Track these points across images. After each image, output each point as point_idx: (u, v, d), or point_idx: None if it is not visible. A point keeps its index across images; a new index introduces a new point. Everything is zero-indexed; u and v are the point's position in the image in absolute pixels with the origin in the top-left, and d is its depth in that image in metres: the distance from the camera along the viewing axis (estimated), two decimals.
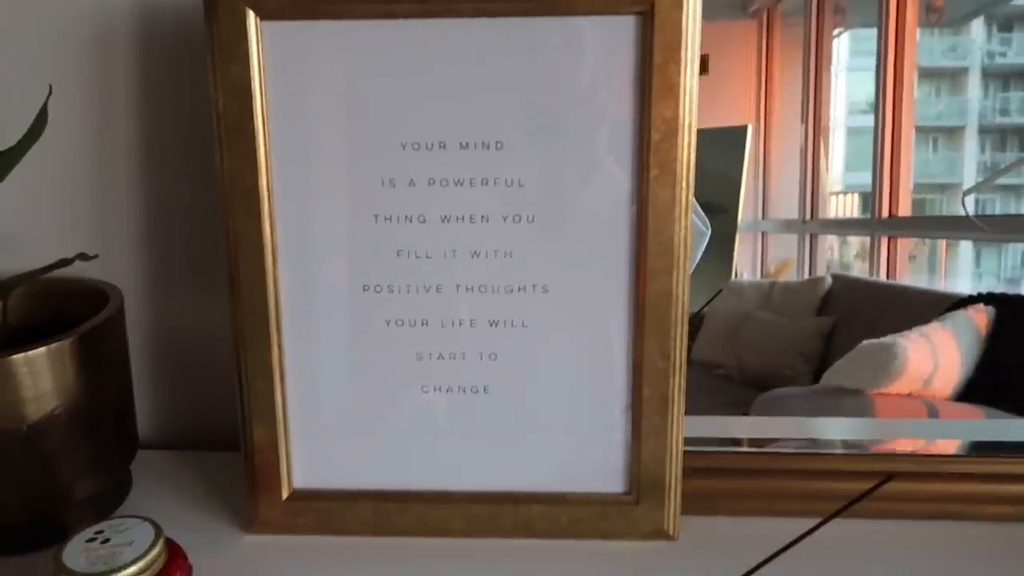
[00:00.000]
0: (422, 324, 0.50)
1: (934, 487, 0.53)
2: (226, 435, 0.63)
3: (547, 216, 0.48)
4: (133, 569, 0.41)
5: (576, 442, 0.51)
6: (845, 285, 2.08)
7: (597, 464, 0.51)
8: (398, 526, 0.52)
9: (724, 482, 0.53)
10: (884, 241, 2.25)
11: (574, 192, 0.48)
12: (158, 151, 0.59)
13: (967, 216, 1.40)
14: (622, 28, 0.46)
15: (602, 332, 0.50)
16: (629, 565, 0.49)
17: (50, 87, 0.48)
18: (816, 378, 1.71)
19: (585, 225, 0.48)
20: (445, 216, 0.49)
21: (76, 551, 0.42)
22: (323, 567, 0.49)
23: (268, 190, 0.48)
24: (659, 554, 0.50)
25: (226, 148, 0.48)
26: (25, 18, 0.56)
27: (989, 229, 1.49)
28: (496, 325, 0.50)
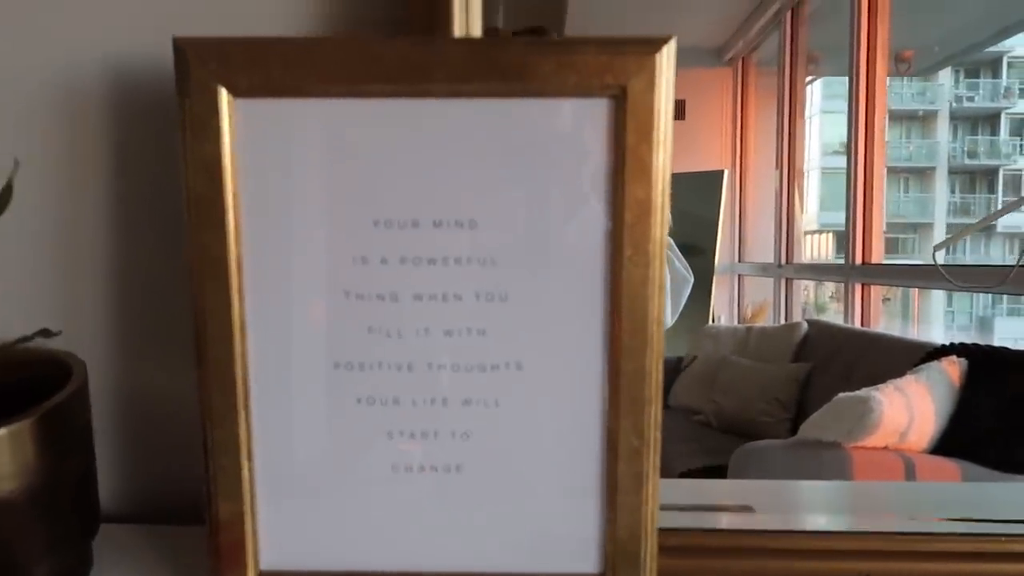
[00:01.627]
0: (394, 402, 0.49)
1: (916, 566, 0.52)
2: (191, 508, 0.62)
3: (520, 294, 0.48)
4: None
5: (550, 521, 0.50)
6: (821, 331, 2.09)
7: (572, 543, 0.50)
8: None
9: (700, 561, 0.53)
10: (858, 287, 2.26)
11: (547, 270, 0.48)
12: (126, 223, 0.58)
13: (936, 267, 1.42)
14: (595, 110, 0.46)
15: (576, 410, 0.49)
16: None
17: (16, 161, 0.48)
18: (793, 424, 1.71)
19: (559, 303, 0.48)
20: (417, 294, 0.48)
21: None
22: None
23: (238, 265, 0.48)
24: None
25: (197, 223, 0.47)
26: None
27: (956, 283, 1.51)
28: (469, 404, 0.49)
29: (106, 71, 0.55)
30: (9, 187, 0.47)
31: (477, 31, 0.50)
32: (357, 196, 0.48)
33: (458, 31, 0.49)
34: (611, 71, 0.45)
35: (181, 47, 0.46)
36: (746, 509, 0.65)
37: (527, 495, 0.50)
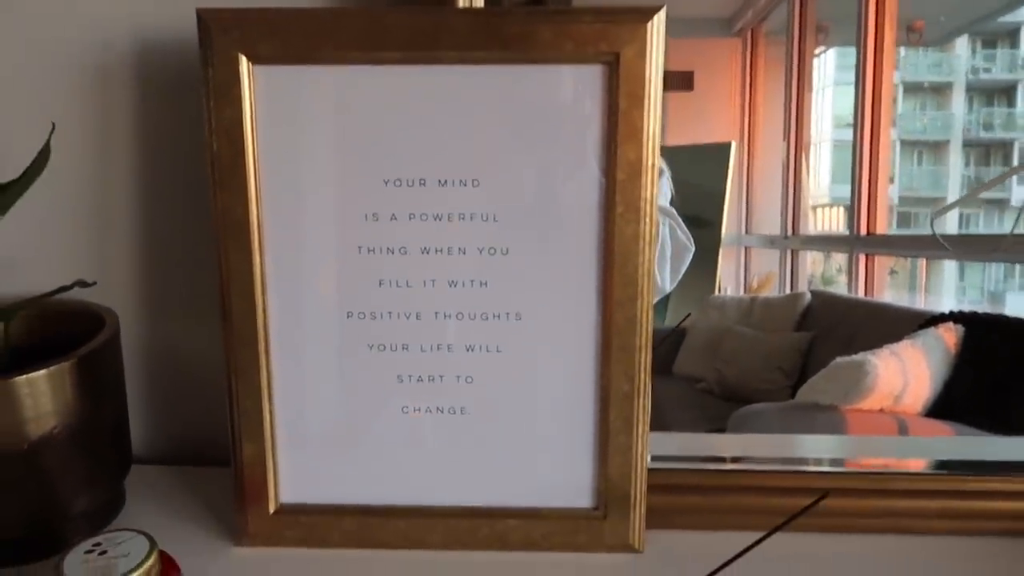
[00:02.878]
0: (403, 348, 0.53)
1: (881, 503, 0.56)
2: (216, 451, 0.66)
3: (520, 249, 0.52)
4: None
5: (548, 460, 0.54)
6: (824, 301, 2.12)
7: (567, 481, 0.54)
8: (380, 539, 0.55)
9: (685, 498, 0.57)
10: (863, 257, 2.29)
11: (545, 226, 0.51)
12: (155, 184, 0.62)
13: (934, 235, 1.44)
14: (590, 76, 0.49)
15: (571, 357, 0.53)
16: None
17: (52, 124, 0.51)
18: (794, 392, 1.75)
19: (556, 257, 0.52)
20: (425, 248, 0.52)
21: (75, 562, 0.44)
22: None
23: (258, 224, 0.51)
24: (625, 566, 0.53)
25: (219, 185, 0.51)
26: (28, 56, 0.59)
27: (952, 249, 1.53)
28: (472, 350, 0.53)
29: (134, 42, 0.58)
30: (47, 148, 0.51)
31: (480, 1, 0.53)
32: (369, 157, 0.51)
33: (463, 2, 0.52)
34: (605, 39, 0.48)
35: (204, 18, 0.49)
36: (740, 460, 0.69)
37: (526, 436, 0.54)
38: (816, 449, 0.95)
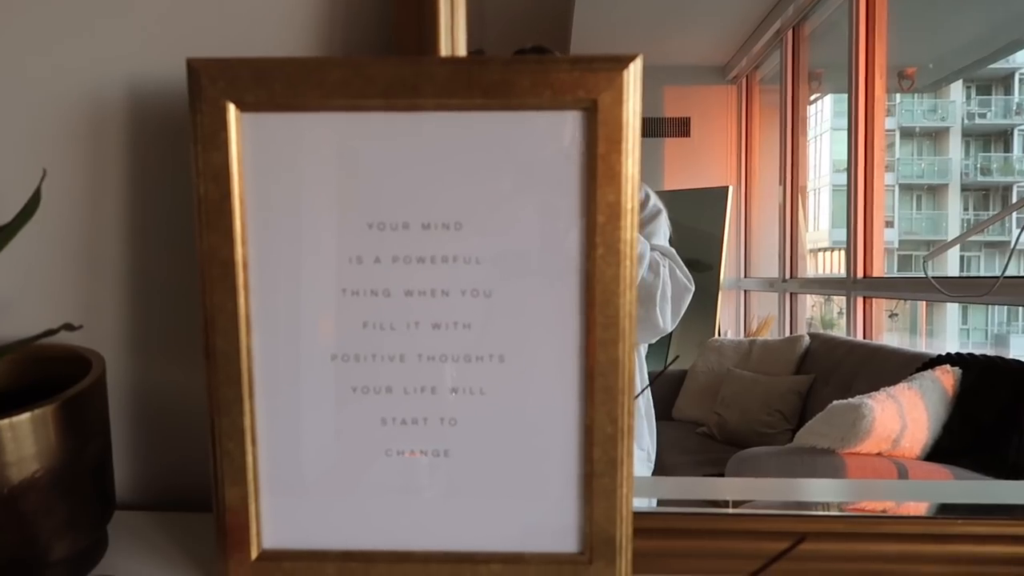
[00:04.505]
0: (387, 391, 0.53)
1: (859, 547, 0.56)
2: (199, 497, 0.66)
3: (502, 291, 0.52)
4: None
5: (532, 503, 0.54)
6: (823, 344, 2.11)
7: (552, 524, 0.54)
8: None
9: (674, 542, 0.56)
10: (860, 300, 2.28)
11: (527, 268, 0.52)
12: (143, 228, 0.63)
13: (927, 278, 1.45)
14: (569, 122, 0.50)
15: (555, 399, 0.53)
16: None
17: (44, 171, 0.52)
18: (794, 436, 1.73)
19: (538, 299, 0.52)
20: (408, 290, 0.52)
21: None
22: None
23: (244, 265, 0.52)
24: None
25: (205, 226, 0.51)
26: (20, 103, 0.60)
27: (945, 292, 1.53)
28: (456, 392, 0.53)
29: (125, 90, 0.60)
30: (37, 194, 0.52)
31: (462, 51, 0.54)
32: (352, 201, 0.52)
33: (444, 51, 0.53)
34: (583, 86, 0.49)
35: (194, 67, 0.50)
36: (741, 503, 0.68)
37: (510, 478, 0.54)
38: (812, 493, 0.94)
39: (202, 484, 0.66)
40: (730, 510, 0.58)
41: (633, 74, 0.49)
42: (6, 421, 0.50)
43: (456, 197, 0.52)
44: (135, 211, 0.62)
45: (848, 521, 0.57)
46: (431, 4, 0.52)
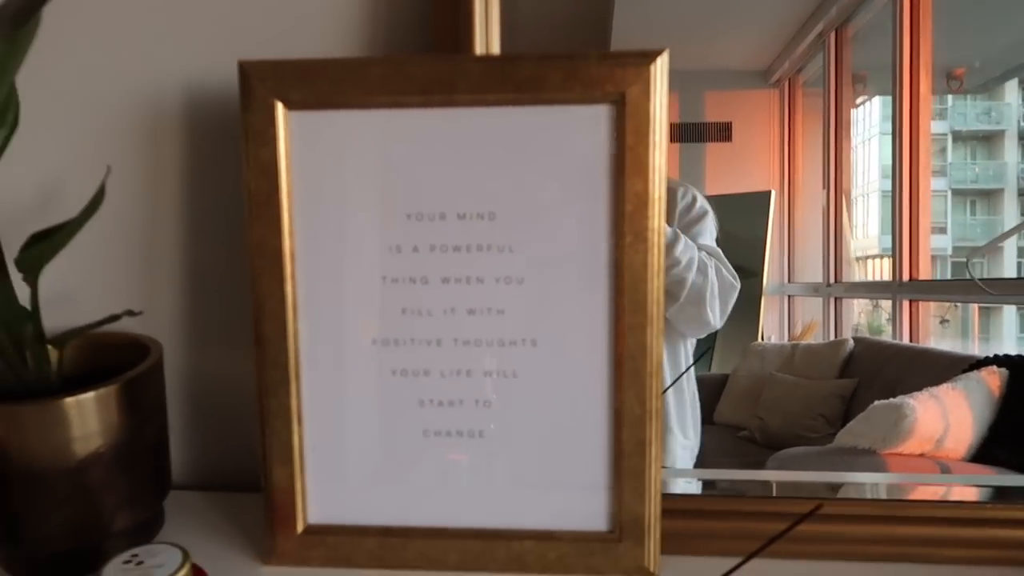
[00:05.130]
0: (424, 374, 0.56)
1: (894, 530, 0.56)
2: (249, 478, 0.69)
3: (535, 278, 0.54)
4: None
5: (563, 482, 0.56)
6: (867, 347, 2.09)
7: (583, 503, 0.56)
8: (400, 560, 0.57)
9: (703, 523, 0.57)
10: (907, 304, 2.26)
11: (558, 256, 0.54)
12: (197, 221, 0.67)
13: (972, 279, 1.43)
14: (598, 115, 0.52)
15: (585, 382, 0.55)
16: None
17: (108, 168, 0.56)
18: (835, 438, 1.71)
19: (569, 285, 0.54)
20: (445, 278, 0.55)
21: (114, 571, 0.47)
22: None
23: (291, 255, 0.55)
24: None
25: (255, 218, 0.55)
26: (84, 105, 0.64)
27: (994, 292, 1.51)
28: (490, 375, 0.56)
29: (182, 91, 0.63)
30: (102, 190, 0.55)
31: (496, 49, 0.56)
32: (392, 193, 0.55)
33: (479, 50, 0.56)
34: (612, 80, 0.51)
35: (245, 68, 0.54)
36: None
37: (542, 458, 0.56)
38: (847, 483, 0.94)
39: (250, 467, 0.70)
40: (758, 494, 0.59)
41: (660, 68, 0.51)
42: (73, 399, 0.54)
43: (490, 188, 0.54)
44: (190, 206, 0.66)
45: (875, 504, 0.58)
46: (466, 5, 0.55)
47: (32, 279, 0.56)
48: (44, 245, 0.54)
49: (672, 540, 0.56)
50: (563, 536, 0.56)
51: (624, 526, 0.55)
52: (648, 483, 0.55)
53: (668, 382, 0.99)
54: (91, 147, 0.65)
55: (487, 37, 0.56)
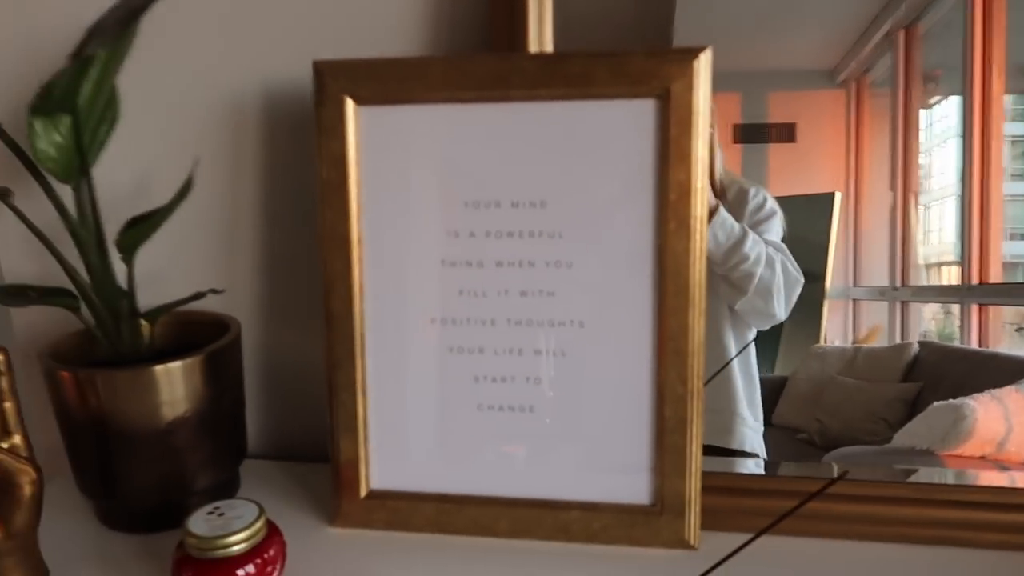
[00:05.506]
0: (479, 352, 0.60)
1: (931, 513, 0.58)
2: (315, 449, 0.74)
3: (583, 262, 0.58)
4: (241, 536, 0.52)
5: (608, 456, 0.59)
6: (932, 351, 2.05)
7: (626, 477, 0.59)
8: (454, 525, 0.61)
9: (739, 500, 0.60)
10: (975, 308, 2.21)
11: (605, 242, 0.57)
12: (272, 208, 0.72)
13: None
14: (644, 109, 0.55)
15: (629, 361, 0.58)
16: (651, 571, 0.56)
17: (196, 159, 0.62)
18: (892, 438, 1.70)
19: (615, 270, 0.57)
20: (499, 262, 0.59)
21: (199, 520, 0.53)
22: (389, 557, 0.59)
23: (358, 239, 0.60)
24: (679, 561, 0.57)
25: (326, 206, 0.60)
26: (171, 101, 0.70)
27: None
28: (540, 354, 0.59)
29: (260, 89, 0.69)
30: (190, 180, 0.61)
31: (549, 48, 0.60)
32: (451, 182, 0.59)
33: (533, 48, 0.60)
34: (657, 76, 0.54)
35: (319, 68, 0.59)
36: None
37: (587, 433, 0.59)
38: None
39: (316, 438, 0.75)
40: (792, 473, 0.61)
41: (703, 63, 0.54)
42: (162, 367, 0.60)
43: (542, 178, 0.58)
44: (266, 194, 0.72)
45: (911, 487, 0.59)
46: (521, 6, 0.59)
47: (129, 259, 0.62)
48: (140, 228, 0.60)
49: (714, 516, 0.59)
50: (607, 508, 0.59)
51: (665, 500, 0.58)
52: (689, 459, 0.57)
53: (737, 370, 1.01)
54: (179, 140, 0.71)
55: (540, 36, 0.59)
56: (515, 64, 0.56)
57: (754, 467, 0.72)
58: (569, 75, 0.55)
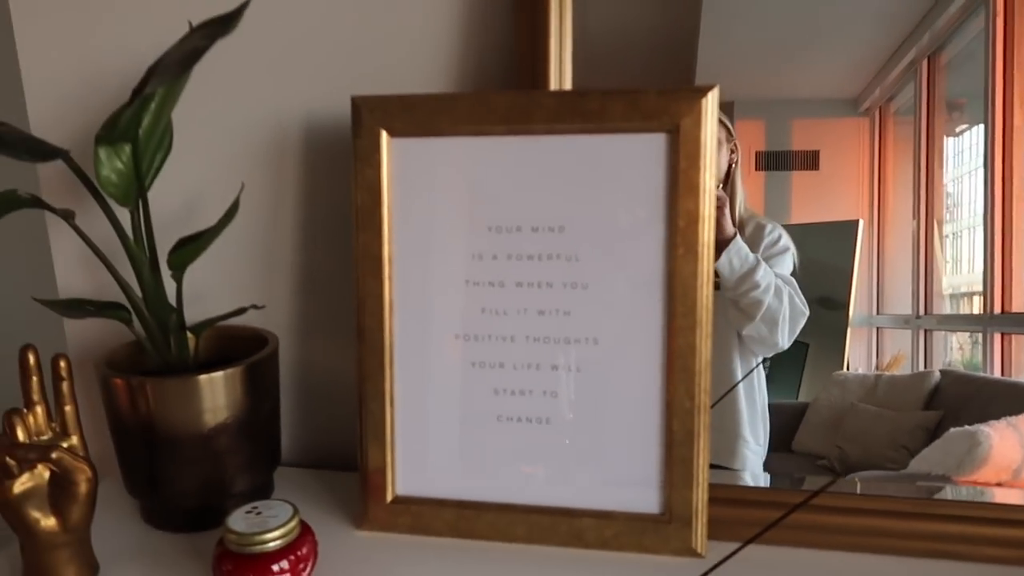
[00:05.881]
0: (499, 366, 0.64)
1: (928, 527, 0.61)
2: (343, 458, 0.78)
3: (598, 284, 0.62)
4: (277, 533, 0.56)
5: (620, 467, 0.63)
6: (954, 380, 2.05)
7: (637, 487, 0.62)
8: (474, 530, 0.64)
9: (744, 511, 0.63)
10: (998, 337, 2.20)
11: (619, 265, 0.61)
12: (308, 230, 0.77)
13: None
14: (655, 143, 0.60)
15: (640, 377, 0.62)
16: None
17: (242, 184, 0.67)
18: (909, 463, 1.70)
19: (628, 291, 0.61)
20: (519, 282, 0.63)
21: (238, 517, 0.57)
22: (412, 559, 0.62)
23: (389, 260, 0.64)
24: (687, 569, 0.60)
25: (360, 228, 0.64)
26: (216, 131, 0.76)
27: None
28: (556, 369, 0.63)
29: (300, 120, 0.74)
30: (236, 203, 0.66)
31: (568, 85, 0.65)
32: (476, 208, 0.64)
33: (553, 85, 0.64)
34: (667, 112, 0.59)
35: (356, 102, 0.64)
36: None
37: (601, 445, 0.63)
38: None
39: (344, 448, 0.79)
40: (802, 488, 0.64)
41: (711, 101, 0.58)
42: (206, 376, 0.65)
43: (560, 205, 0.62)
44: (303, 217, 0.77)
45: (915, 503, 0.62)
46: (543, 46, 0.64)
47: (179, 276, 0.67)
48: (190, 248, 0.65)
49: (721, 526, 0.62)
50: (618, 516, 0.62)
51: (674, 509, 0.61)
52: (696, 470, 0.61)
53: (742, 394, 1.04)
54: (225, 167, 0.76)
55: (560, 74, 0.64)
56: (537, 100, 0.61)
57: (760, 480, 0.75)
58: (587, 111, 0.60)
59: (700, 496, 0.61)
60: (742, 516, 0.63)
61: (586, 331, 0.63)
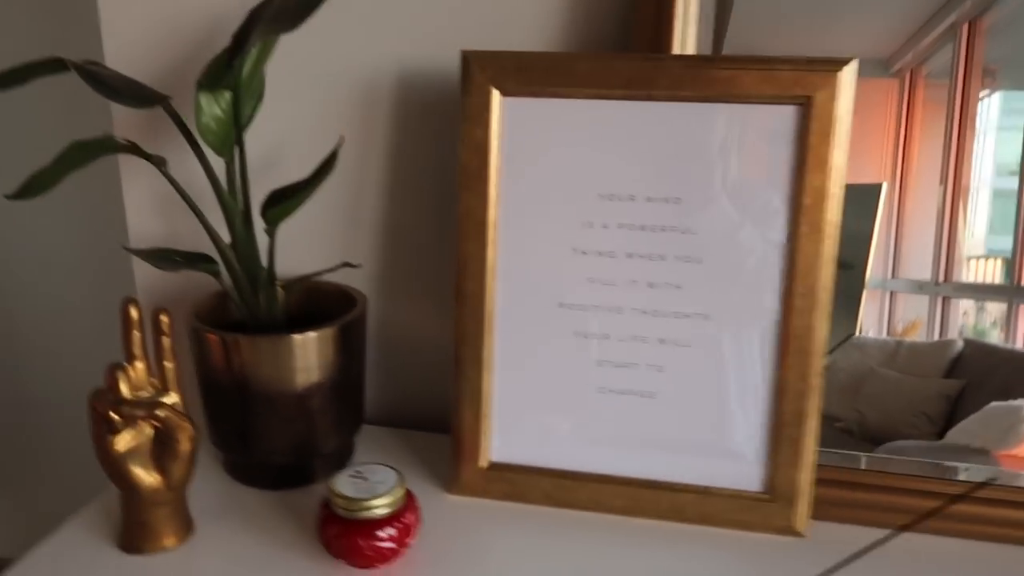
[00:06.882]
0: (604, 338, 0.63)
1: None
2: (430, 420, 0.77)
3: (713, 259, 0.60)
4: (385, 500, 0.55)
5: (724, 444, 0.62)
6: (977, 350, 2.06)
7: (741, 465, 0.62)
8: (571, 500, 0.64)
9: (849, 493, 0.63)
10: (1023, 310, 2.20)
11: (737, 241, 0.60)
12: (397, 188, 0.75)
13: None
14: (784, 115, 0.57)
15: (752, 356, 0.61)
16: (760, 555, 0.59)
17: (341, 137, 0.65)
18: (939, 438, 1.72)
19: (744, 268, 0.60)
20: (629, 253, 0.61)
21: (344, 481, 0.56)
22: (507, 526, 0.62)
23: (494, 223, 0.63)
24: (787, 548, 0.60)
25: (465, 189, 0.62)
26: (313, 83, 0.73)
27: None
28: (664, 343, 0.62)
29: (395, 73, 0.71)
30: (334, 156, 0.64)
31: (691, 50, 0.62)
32: (588, 175, 0.61)
33: (676, 49, 0.62)
34: (801, 84, 0.56)
35: (467, 57, 0.61)
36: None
37: (706, 421, 0.62)
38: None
39: (429, 409, 0.78)
40: (904, 471, 0.64)
41: (848, 75, 0.56)
42: (300, 336, 0.63)
43: (678, 176, 0.60)
44: (392, 174, 0.74)
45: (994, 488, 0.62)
46: (668, 8, 0.61)
47: (273, 231, 0.65)
48: (287, 203, 0.63)
49: (823, 506, 0.62)
50: (720, 492, 0.62)
51: (777, 489, 0.61)
52: (804, 452, 0.60)
53: None
54: (313, 117, 0.73)
55: (684, 38, 0.61)
56: (661, 64, 0.59)
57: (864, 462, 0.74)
58: (714, 79, 0.58)
59: (806, 477, 0.61)
60: (845, 497, 0.63)
61: (697, 306, 0.61)
